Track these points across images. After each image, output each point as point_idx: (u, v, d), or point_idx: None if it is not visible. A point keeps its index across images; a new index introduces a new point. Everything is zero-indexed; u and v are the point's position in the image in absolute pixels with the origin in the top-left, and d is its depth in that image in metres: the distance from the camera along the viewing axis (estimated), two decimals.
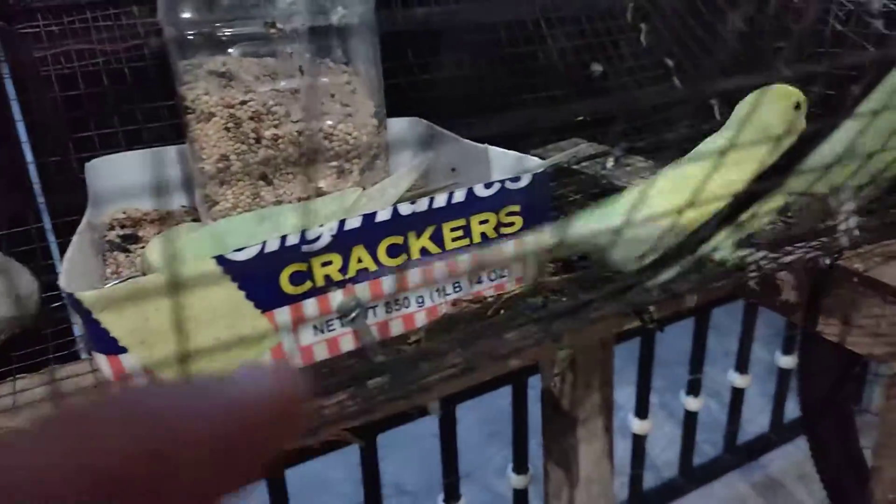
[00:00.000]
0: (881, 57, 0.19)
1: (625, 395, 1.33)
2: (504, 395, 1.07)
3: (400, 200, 0.41)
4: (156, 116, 0.65)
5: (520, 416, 1.08)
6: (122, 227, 0.53)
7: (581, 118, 0.76)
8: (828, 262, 0.50)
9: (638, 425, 1.23)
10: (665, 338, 1.18)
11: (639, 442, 1.24)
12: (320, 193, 0.42)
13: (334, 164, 0.42)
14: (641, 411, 1.22)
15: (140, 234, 0.52)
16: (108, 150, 0.60)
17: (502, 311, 0.40)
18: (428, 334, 0.39)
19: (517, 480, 1.10)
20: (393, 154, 0.57)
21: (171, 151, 0.55)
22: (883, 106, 0.39)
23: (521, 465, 1.10)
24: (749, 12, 0.69)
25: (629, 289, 0.35)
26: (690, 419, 1.28)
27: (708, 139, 0.50)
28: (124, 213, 0.54)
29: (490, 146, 0.48)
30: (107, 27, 0.67)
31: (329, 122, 0.41)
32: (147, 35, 0.63)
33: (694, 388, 1.25)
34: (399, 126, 0.58)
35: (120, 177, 0.53)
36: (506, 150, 0.46)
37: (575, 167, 0.70)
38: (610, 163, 0.68)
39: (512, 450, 1.10)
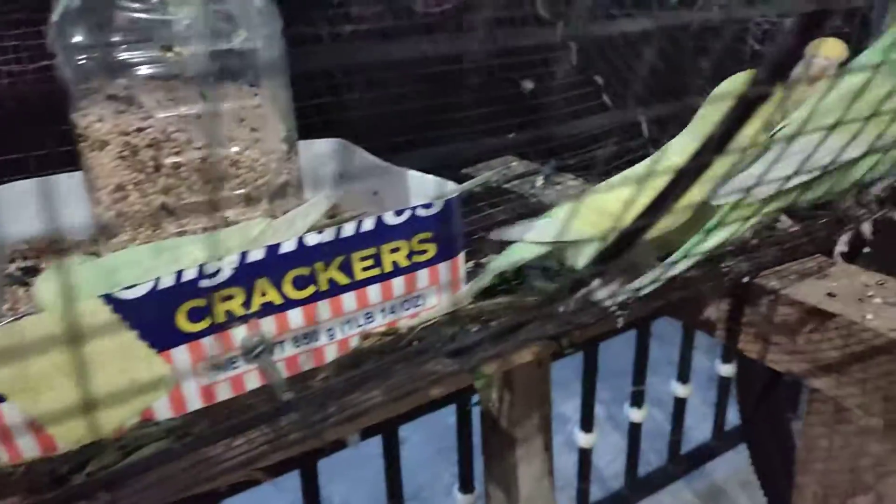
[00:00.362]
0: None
1: (572, 407, 1.33)
2: (452, 412, 1.06)
3: (314, 229, 0.39)
4: (69, 140, 0.62)
5: (465, 434, 1.07)
6: (25, 258, 0.50)
7: (513, 135, 0.76)
8: (746, 279, 0.51)
9: (584, 439, 1.23)
10: (610, 349, 1.20)
11: (585, 455, 1.25)
12: (227, 223, 0.41)
13: (241, 192, 0.40)
14: (586, 425, 1.22)
15: (42, 266, 0.49)
16: (18, 175, 0.57)
17: (416, 343, 0.39)
18: (337, 369, 0.38)
19: (463, 500, 1.09)
20: (315, 177, 0.56)
21: (79, 177, 0.52)
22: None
23: (466, 485, 1.09)
24: (671, 32, 0.71)
25: (537, 319, 0.34)
26: (635, 430, 1.29)
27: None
28: (27, 244, 0.51)
29: (408, 170, 0.47)
30: (14, 47, 0.64)
31: (235, 149, 0.40)
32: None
33: (637, 400, 1.26)
34: (321, 148, 0.56)
35: (21, 206, 0.50)
36: (423, 174, 0.45)
37: (505, 186, 0.70)
38: (539, 182, 0.68)
39: (458, 469, 1.09)
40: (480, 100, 0.77)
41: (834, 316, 0.46)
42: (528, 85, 0.78)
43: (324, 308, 0.38)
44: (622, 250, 0.25)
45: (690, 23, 0.68)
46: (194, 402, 0.36)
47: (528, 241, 0.47)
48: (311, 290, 0.37)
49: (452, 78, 0.78)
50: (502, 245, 0.55)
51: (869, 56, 0.40)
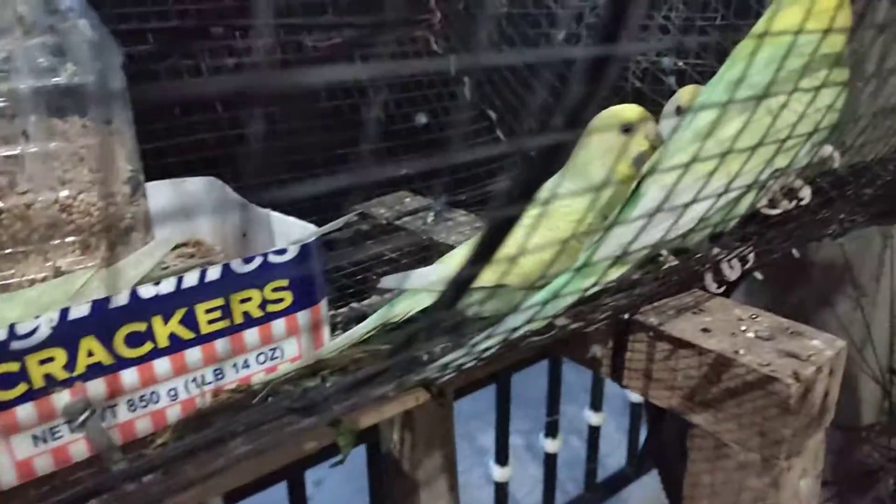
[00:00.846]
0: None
1: (491, 439, 1.32)
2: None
3: (149, 279, 0.36)
4: None
5: (375, 476, 1.03)
6: None
7: (405, 171, 0.75)
8: (626, 316, 0.51)
9: (499, 472, 1.21)
10: (527, 377, 1.19)
11: (500, 489, 1.23)
12: (59, 274, 0.37)
13: (75, 239, 0.37)
14: (501, 458, 1.21)
15: None
16: None
17: (270, 399, 0.36)
18: (177, 433, 0.34)
19: None
20: (183, 220, 0.53)
21: None
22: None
23: None
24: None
25: (410, 367, 0.32)
26: (550, 461, 1.29)
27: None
28: None
29: (272, 212, 0.44)
30: None
31: (65, 193, 0.36)
32: None
33: (552, 430, 1.26)
34: (192, 187, 0.53)
35: None
36: (285, 217, 0.43)
37: (397, 223, 0.69)
38: (430, 218, 0.67)
39: None
40: (373, 134, 0.76)
41: (708, 352, 0.47)
42: (422, 119, 0.77)
43: (163, 366, 0.35)
44: (454, 301, 0.23)
45: (574, 60, 0.69)
46: (9, 479, 0.32)
47: (416, 289, 0.45)
48: (147, 347, 0.34)
49: (344, 113, 0.76)
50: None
51: (710, 92, 0.41)
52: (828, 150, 0.36)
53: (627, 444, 1.44)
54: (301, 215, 0.45)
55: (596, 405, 1.31)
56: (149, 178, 0.48)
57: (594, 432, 1.33)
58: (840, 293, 1.22)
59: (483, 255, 0.21)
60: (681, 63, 0.63)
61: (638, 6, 0.17)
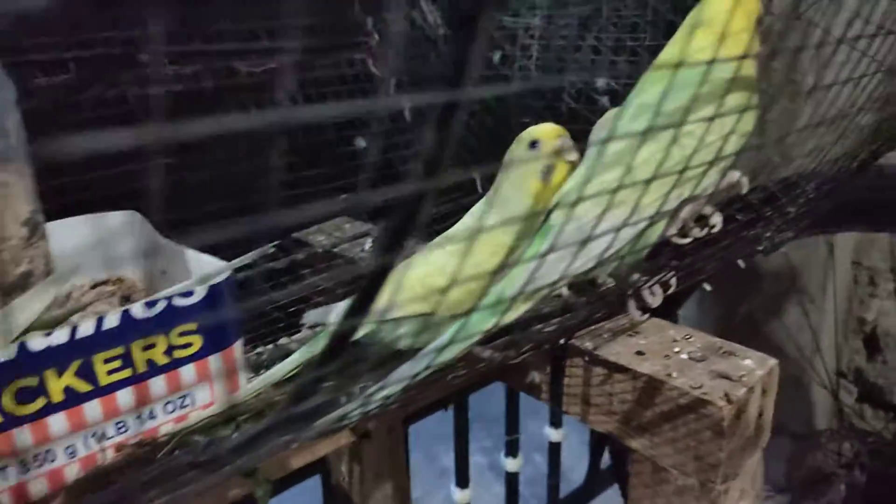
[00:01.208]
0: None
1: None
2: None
3: (42, 325, 0.34)
4: None
5: None
6: None
7: (346, 196, 0.73)
8: (563, 341, 0.50)
9: (460, 495, 1.19)
10: (492, 394, 1.18)
11: None
12: None
13: None
14: (462, 480, 1.19)
15: None
16: None
17: (177, 451, 0.35)
18: (74, 493, 0.32)
19: None
20: (104, 255, 0.50)
21: None
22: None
23: None
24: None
25: (300, 420, 0.31)
26: (512, 480, 1.27)
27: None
28: None
29: (186, 248, 0.42)
30: None
31: None
32: None
33: (512, 449, 1.25)
34: (112, 221, 0.51)
35: None
36: (200, 254, 0.41)
37: (335, 251, 0.67)
38: (367, 244, 0.65)
39: None
40: (311, 160, 0.75)
41: (642, 375, 0.46)
42: (361, 143, 0.76)
43: (59, 422, 0.33)
44: (339, 352, 0.22)
45: (510, 77, 0.69)
46: None
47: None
48: (40, 402, 0.32)
49: (280, 138, 0.74)
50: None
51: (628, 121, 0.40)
52: (735, 175, 0.36)
53: (589, 459, 1.43)
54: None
55: (556, 421, 1.30)
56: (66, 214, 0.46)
57: (555, 448, 1.32)
58: (788, 302, 1.24)
59: (360, 307, 0.20)
60: (613, 83, 0.63)
61: (479, 54, 0.16)
